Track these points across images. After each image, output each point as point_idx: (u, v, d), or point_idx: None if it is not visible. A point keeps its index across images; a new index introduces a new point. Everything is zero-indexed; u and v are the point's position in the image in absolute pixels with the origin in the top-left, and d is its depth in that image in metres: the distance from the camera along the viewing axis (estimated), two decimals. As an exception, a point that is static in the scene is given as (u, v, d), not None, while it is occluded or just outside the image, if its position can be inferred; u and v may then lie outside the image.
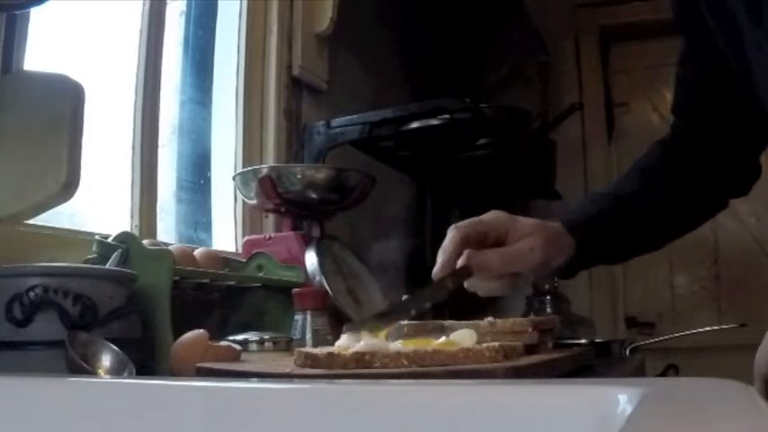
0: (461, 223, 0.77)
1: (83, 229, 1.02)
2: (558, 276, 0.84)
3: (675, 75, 0.95)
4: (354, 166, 1.34)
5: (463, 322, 0.75)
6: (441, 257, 0.75)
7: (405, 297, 0.76)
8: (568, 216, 0.86)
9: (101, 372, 0.67)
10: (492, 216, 0.79)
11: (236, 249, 1.34)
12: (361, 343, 0.64)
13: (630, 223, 0.88)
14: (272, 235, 1.20)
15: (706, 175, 0.92)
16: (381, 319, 0.72)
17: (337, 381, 0.53)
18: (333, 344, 0.80)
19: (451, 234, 0.76)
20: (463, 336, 0.68)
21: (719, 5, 0.77)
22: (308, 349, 0.67)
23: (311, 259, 1.09)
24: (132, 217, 1.15)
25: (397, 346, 0.64)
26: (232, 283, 1.05)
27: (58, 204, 0.79)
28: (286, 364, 0.68)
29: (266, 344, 0.88)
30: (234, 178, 1.22)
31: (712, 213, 0.97)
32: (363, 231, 1.65)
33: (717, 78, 0.85)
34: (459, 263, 0.75)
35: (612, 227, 0.86)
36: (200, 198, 1.38)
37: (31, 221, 0.88)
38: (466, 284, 0.77)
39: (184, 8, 1.38)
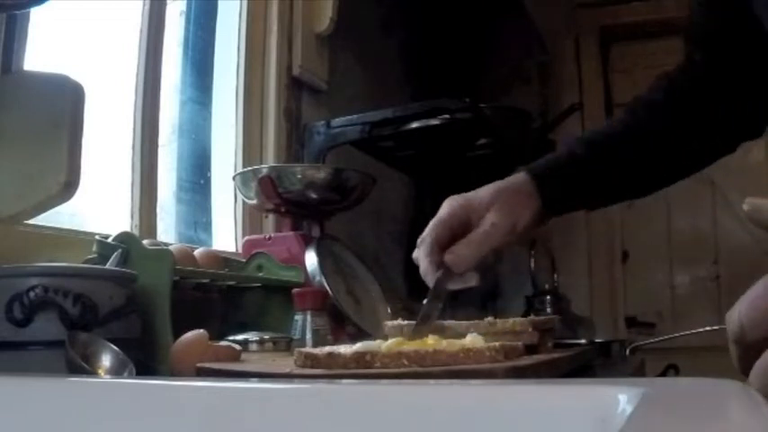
0: (425, 233, 0.76)
1: (83, 229, 1.02)
2: (528, 231, 0.81)
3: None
4: (354, 166, 1.34)
5: (464, 323, 0.75)
6: (425, 276, 0.75)
7: (424, 302, 0.75)
8: (535, 163, 0.83)
9: (101, 372, 0.67)
10: (446, 209, 0.77)
11: (236, 249, 1.34)
12: (359, 344, 0.64)
13: (608, 163, 0.83)
14: (272, 235, 1.20)
15: (718, 110, 0.85)
16: (420, 328, 0.72)
17: (337, 381, 0.53)
18: (333, 344, 0.80)
19: (421, 249, 0.75)
20: (474, 341, 0.68)
21: None
22: (308, 349, 0.67)
23: (311, 259, 1.09)
24: (132, 217, 1.15)
25: (397, 346, 0.64)
26: (232, 283, 1.05)
27: (58, 204, 0.79)
28: (286, 364, 0.68)
29: (266, 344, 0.88)
30: (234, 178, 1.22)
31: (718, 155, 0.88)
32: (363, 231, 1.66)
33: (745, 4, 0.77)
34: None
35: (582, 168, 0.82)
36: (200, 198, 1.38)
37: (31, 221, 0.88)
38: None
39: (184, 8, 1.38)
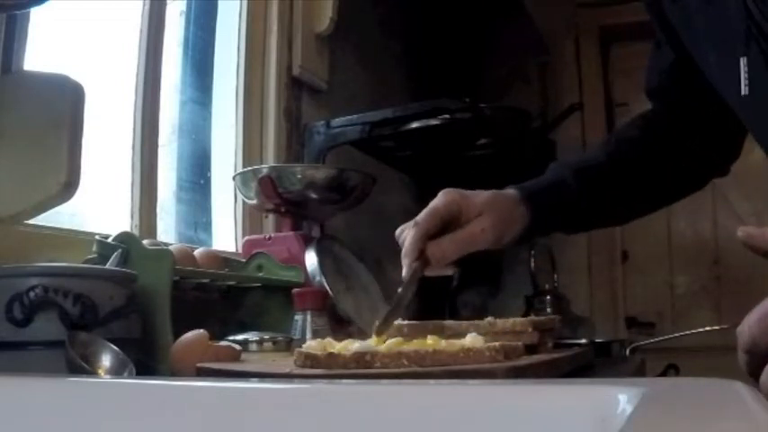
0: (419, 218, 0.77)
1: (83, 229, 1.02)
2: (511, 245, 0.86)
3: (650, 56, 0.94)
4: (354, 166, 1.34)
5: (464, 323, 0.75)
6: (405, 260, 0.76)
7: (399, 289, 0.76)
8: (527, 183, 0.87)
9: (101, 372, 0.67)
10: (443, 200, 0.79)
11: (236, 249, 1.34)
12: (357, 344, 0.64)
13: (594, 192, 0.88)
14: (272, 235, 1.20)
15: (686, 150, 0.92)
16: (390, 319, 0.72)
17: (337, 381, 0.53)
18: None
19: (412, 233, 0.76)
20: (474, 341, 0.68)
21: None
22: (308, 349, 0.67)
23: (311, 259, 1.09)
24: (132, 217, 1.15)
25: (397, 346, 0.64)
26: (232, 283, 1.05)
27: (58, 204, 0.79)
28: (286, 364, 0.68)
29: (266, 344, 0.88)
30: (234, 178, 1.22)
31: (690, 190, 0.97)
32: (363, 231, 1.65)
33: (689, 64, 0.84)
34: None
35: (571, 195, 0.87)
36: (200, 198, 1.38)
37: (31, 221, 0.88)
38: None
39: (184, 8, 1.38)
